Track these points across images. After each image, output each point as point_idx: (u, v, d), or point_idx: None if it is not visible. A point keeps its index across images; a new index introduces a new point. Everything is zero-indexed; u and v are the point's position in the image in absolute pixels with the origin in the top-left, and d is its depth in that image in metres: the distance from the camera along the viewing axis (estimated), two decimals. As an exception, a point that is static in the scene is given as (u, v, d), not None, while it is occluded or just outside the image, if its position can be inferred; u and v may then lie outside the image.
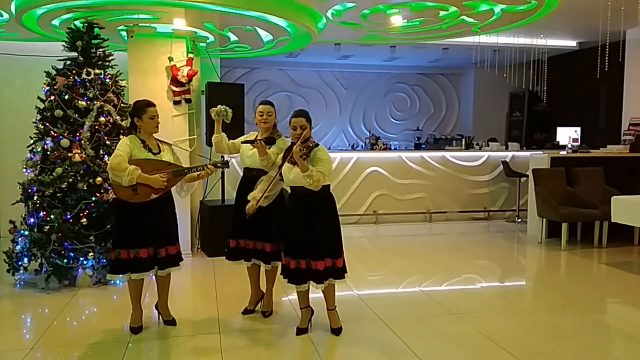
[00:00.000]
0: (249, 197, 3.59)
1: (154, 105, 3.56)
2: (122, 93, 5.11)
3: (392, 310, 4.07)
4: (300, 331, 3.58)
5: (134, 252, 3.48)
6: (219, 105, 3.83)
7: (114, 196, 3.88)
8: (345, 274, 3.54)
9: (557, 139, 9.08)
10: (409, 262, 5.78)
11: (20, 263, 4.64)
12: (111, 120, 4.86)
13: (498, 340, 3.45)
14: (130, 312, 3.67)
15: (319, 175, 3.30)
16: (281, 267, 3.63)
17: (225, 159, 3.69)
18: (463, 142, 8.97)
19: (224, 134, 3.88)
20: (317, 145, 3.46)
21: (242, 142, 3.74)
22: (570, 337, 3.62)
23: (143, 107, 3.52)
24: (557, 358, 3.27)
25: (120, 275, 3.57)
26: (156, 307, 3.81)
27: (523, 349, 3.33)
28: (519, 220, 7.90)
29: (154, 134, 3.61)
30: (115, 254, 3.53)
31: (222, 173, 6.08)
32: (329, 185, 3.49)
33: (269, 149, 3.65)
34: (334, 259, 3.46)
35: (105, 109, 4.83)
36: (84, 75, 4.83)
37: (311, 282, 3.46)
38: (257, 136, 3.80)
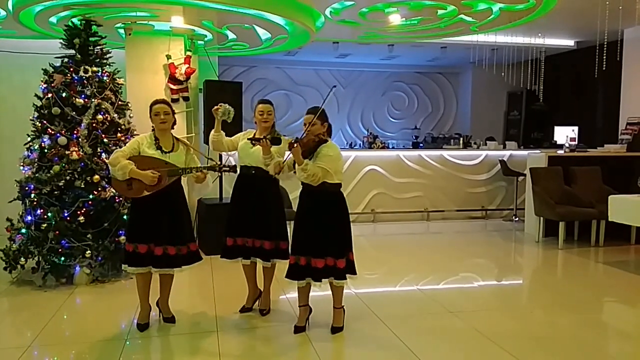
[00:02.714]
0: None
1: (158, 102, 3.59)
2: (120, 91, 5.11)
3: (389, 309, 4.07)
4: (298, 329, 3.57)
5: (147, 246, 3.51)
6: (225, 105, 3.81)
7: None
8: (348, 276, 3.49)
9: (555, 138, 9.09)
10: (406, 261, 5.79)
11: (17, 261, 4.63)
12: (109, 118, 4.86)
13: (496, 339, 3.46)
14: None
15: (315, 169, 3.26)
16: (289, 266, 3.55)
17: (233, 164, 3.67)
18: (461, 141, 8.98)
19: (222, 132, 3.88)
20: (325, 141, 3.41)
21: (249, 139, 3.70)
22: (567, 335, 3.63)
23: (150, 106, 3.60)
24: (555, 356, 3.28)
25: (133, 269, 3.54)
26: (157, 303, 3.81)
27: (520, 347, 3.33)
28: (517, 219, 7.91)
29: (173, 133, 3.65)
30: (132, 246, 3.54)
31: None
32: (340, 184, 3.45)
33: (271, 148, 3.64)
34: (336, 259, 3.42)
35: (103, 106, 4.83)
36: (81, 73, 4.82)
37: (309, 279, 3.44)
38: (255, 134, 3.79)
